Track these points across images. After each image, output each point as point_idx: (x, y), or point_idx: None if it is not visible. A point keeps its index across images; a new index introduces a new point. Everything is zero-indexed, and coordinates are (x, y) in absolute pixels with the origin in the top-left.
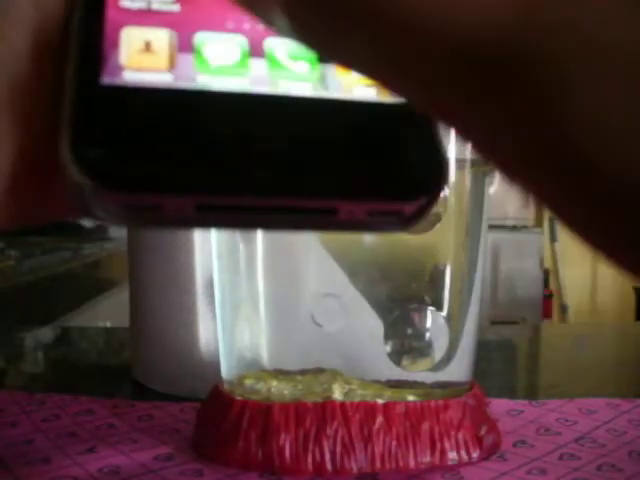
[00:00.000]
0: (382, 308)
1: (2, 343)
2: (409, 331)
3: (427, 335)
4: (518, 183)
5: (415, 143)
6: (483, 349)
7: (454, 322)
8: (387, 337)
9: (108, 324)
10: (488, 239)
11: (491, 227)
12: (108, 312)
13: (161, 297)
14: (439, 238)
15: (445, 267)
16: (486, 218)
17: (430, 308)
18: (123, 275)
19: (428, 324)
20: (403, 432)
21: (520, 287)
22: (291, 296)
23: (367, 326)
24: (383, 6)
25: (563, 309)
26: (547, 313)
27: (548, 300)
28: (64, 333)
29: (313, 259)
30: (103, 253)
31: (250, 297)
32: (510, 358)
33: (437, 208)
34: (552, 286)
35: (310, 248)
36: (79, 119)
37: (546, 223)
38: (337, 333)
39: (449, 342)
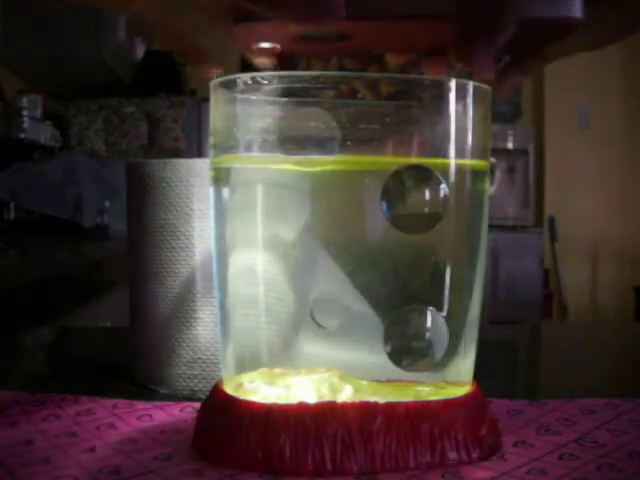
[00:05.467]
0: (382, 308)
1: (2, 343)
2: (409, 331)
3: (427, 335)
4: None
5: None
6: (483, 349)
7: (454, 322)
8: (387, 337)
9: (108, 324)
10: (488, 239)
11: (491, 227)
12: (108, 312)
13: (161, 297)
14: (439, 238)
15: (445, 267)
16: (486, 218)
17: (430, 308)
18: (123, 275)
19: (428, 324)
20: (403, 432)
21: (520, 287)
22: (291, 296)
23: (367, 326)
24: None
25: (563, 309)
26: (547, 313)
27: (548, 300)
28: (64, 333)
29: (313, 259)
30: (103, 253)
31: (250, 297)
32: (510, 358)
33: (437, 208)
34: (552, 286)
35: (310, 248)
36: None
37: (546, 223)
38: (337, 333)
39: (449, 342)
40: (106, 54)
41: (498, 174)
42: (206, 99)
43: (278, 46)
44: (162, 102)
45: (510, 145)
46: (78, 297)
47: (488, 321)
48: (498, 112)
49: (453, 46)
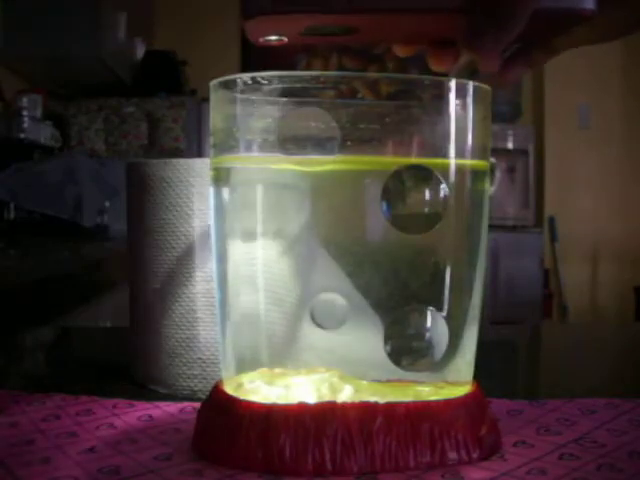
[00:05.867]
0: (382, 308)
1: (2, 343)
2: (409, 331)
3: (427, 335)
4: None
5: None
6: (483, 349)
7: (454, 322)
8: (387, 337)
9: (108, 324)
10: (488, 239)
11: (491, 227)
12: (108, 312)
13: (161, 297)
14: (439, 238)
15: (445, 267)
16: (486, 218)
17: (430, 308)
18: (123, 275)
19: (428, 324)
20: (403, 432)
21: (520, 287)
22: (291, 296)
23: (367, 326)
24: None
25: (563, 309)
26: (547, 313)
27: (548, 300)
28: (64, 333)
29: (313, 259)
30: (103, 253)
31: (250, 297)
32: (510, 358)
33: (437, 208)
34: (552, 286)
35: (310, 248)
36: None
37: (546, 223)
38: (337, 333)
39: (449, 342)
40: (106, 54)
41: (498, 174)
42: (206, 99)
43: (286, 39)
44: (162, 102)
45: (510, 145)
46: (78, 297)
47: (488, 321)
48: (498, 112)
49: (462, 36)
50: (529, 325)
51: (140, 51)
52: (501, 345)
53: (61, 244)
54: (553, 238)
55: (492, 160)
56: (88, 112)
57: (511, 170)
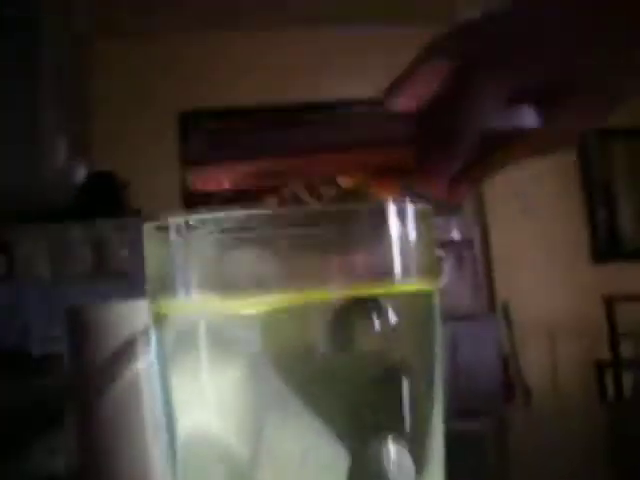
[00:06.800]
0: (342, 441)
1: None
2: (372, 467)
3: (391, 469)
4: None
5: None
6: (450, 446)
7: (418, 450)
8: (350, 474)
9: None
10: (443, 331)
11: (445, 318)
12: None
13: (110, 444)
14: (394, 361)
15: (401, 392)
16: (439, 332)
17: (392, 439)
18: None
19: (392, 457)
20: None
21: (479, 374)
22: (243, 436)
23: (327, 462)
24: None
25: (526, 392)
26: (510, 397)
27: (509, 384)
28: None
29: (266, 395)
30: (51, 387)
31: (201, 439)
32: (479, 454)
33: (386, 337)
34: (512, 370)
35: (261, 386)
36: None
37: (499, 309)
38: (297, 469)
39: (415, 472)
40: (45, 181)
41: (446, 267)
42: (149, 219)
43: (226, 185)
44: (106, 225)
45: (455, 236)
46: (27, 432)
47: (452, 413)
48: (439, 205)
49: (410, 167)
50: (494, 417)
51: (80, 174)
52: (469, 441)
53: (9, 375)
54: (508, 323)
55: (440, 253)
56: (32, 238)
57: (459, 260)
